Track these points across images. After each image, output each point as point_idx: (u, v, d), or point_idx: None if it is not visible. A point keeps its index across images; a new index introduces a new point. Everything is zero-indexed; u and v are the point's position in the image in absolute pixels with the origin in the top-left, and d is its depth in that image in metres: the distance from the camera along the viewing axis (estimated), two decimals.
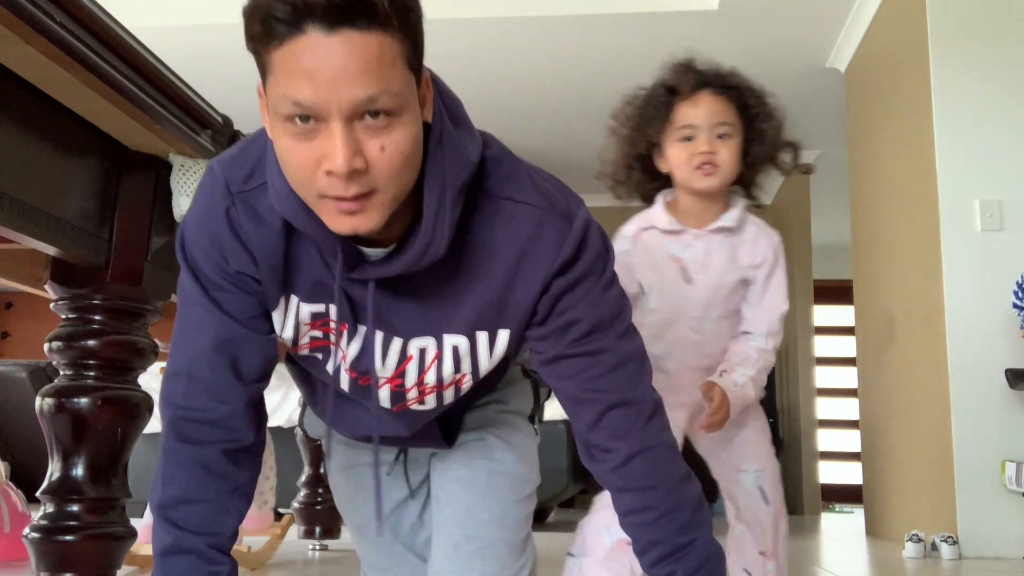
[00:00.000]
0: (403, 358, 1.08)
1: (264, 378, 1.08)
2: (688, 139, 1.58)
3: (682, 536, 1.07)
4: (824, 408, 6.84)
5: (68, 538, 1.38)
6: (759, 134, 1.62)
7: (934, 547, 3.14)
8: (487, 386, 1.24)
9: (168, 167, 1.51)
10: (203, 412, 1.04)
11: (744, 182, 1.67)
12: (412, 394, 1.11)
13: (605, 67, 4.67)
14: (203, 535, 1.04)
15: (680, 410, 1.61)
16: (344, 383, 1.11)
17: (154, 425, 2.17)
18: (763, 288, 1.66)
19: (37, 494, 1.43)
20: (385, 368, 1.08)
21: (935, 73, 3.37)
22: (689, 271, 1.61)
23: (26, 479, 2.96)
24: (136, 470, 1.67)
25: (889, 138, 3.93)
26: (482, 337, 1.06)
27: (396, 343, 1.07)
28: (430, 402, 1.13)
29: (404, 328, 1.05)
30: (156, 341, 1.53)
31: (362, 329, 1.05)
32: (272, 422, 3.57)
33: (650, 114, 1.61)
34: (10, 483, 2.56)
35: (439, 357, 1.07)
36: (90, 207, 1.42)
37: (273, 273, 1.02)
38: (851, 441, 6.36)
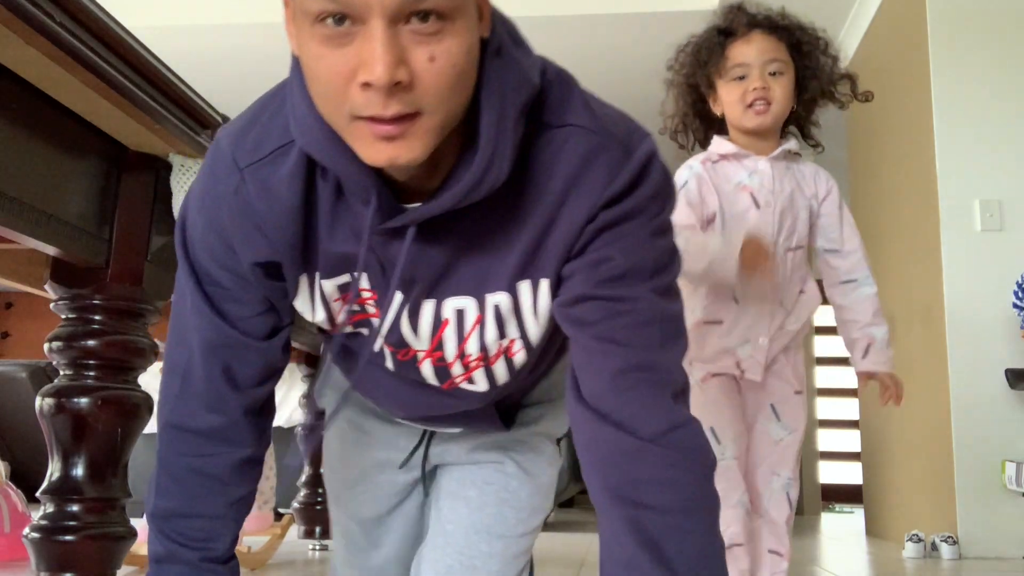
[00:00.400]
0: (438, 324, 0.92)
1: (266, 383, 0.98)
2: (741, 78, 1.61)
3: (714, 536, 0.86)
4: (824, 408, 6.84)
5: (68, 538, 1.38)
6: (815, 69, 1.65)
7: (934, 547, 3.14)
8: (543, 369, 1.09)
9: (168, 167, 1.51)
10: (197, 422, 0.96)
11: (801, 122, 1.70)
12: (456, 369, 0.97)
13: (605, 67, 4.67)
14: (196, 549, 0.97)
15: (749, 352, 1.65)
16: (388, 361, 0.99)
17: (154, 425, 2.16)
18: (840, 226, 1.70)
19: (37, 494, 1.43)
20: (419, 338, 0.94)
21: (935, 73, 3.37)
22: (758, 197, 1.64)
23: (26, 479, 2.96)
24: (136, 470, 1.67)
25: (889, 138, 3.93)
26: (524, 289, 0.90)
27: (428, 306, 0.92)
28: (480, 381, 0.98)
29: (438, 287, 0.90)
30: (156, 341, 1.53)
31: (397, 296, 0.92)
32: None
33: (703, 56, 1.65)
34: (10, 483, 2.56)
35: (481, 321, 0.92)
36: (90, 207, 1.42)
37: (293, 252, 0.90)
38: (851, 441, 6.36)
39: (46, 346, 1.46)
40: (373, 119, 0.74)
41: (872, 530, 4.22)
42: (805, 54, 1.64)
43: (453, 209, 0.83)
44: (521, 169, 0.85)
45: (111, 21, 1.28)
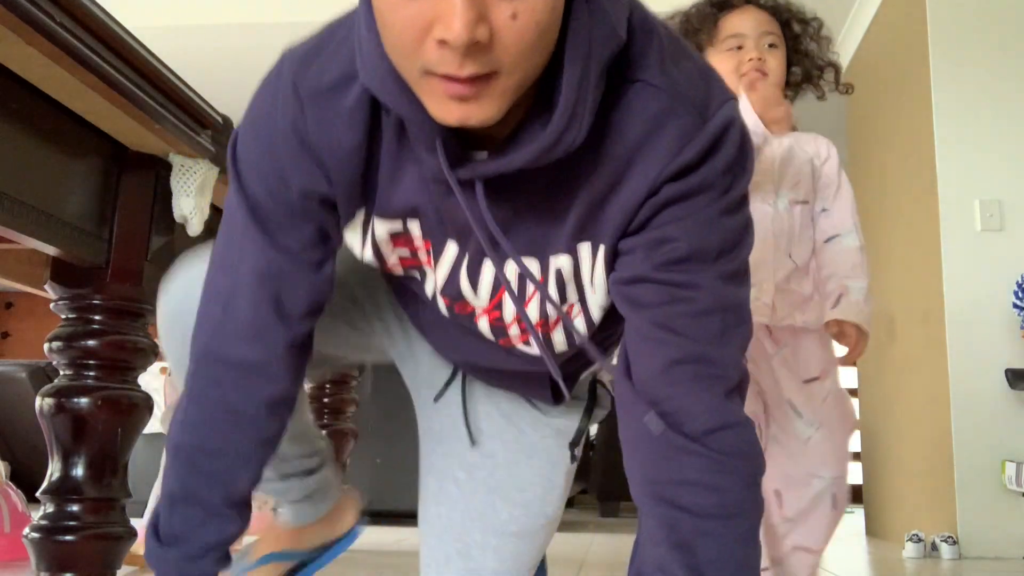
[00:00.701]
0: (498, 285, 0.88)
1: (312, 315, 0.92)
2: (737, 48, 1.55)
3: (751, 547, 0.81)
4: None
5: (68, 538, 1.38)
6: (804, 54, 1.60)
7: (934, 547, 3.14)
8: (605, 346, 1.01)
9: (168, 167, 1.51)
10: (235, 353, 0.90)
11: None
12: (513, 331, 0.93)
13: None
14: (218, 488, 0.91)
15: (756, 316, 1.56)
16: (443, 309, 0.95)
17: (154, 425, 2.17)
18: (836, 189, 1.63)
19: (37, 494, 1.43)
20: (478, 296, 0.90)
21: (935, 73, 3.37)
22: (756, 143, 1.57)
23: (26, 479, 2.96)
24: (136, 470, 1.67)
25: (889, 138, 3.93)
26: (584, 252, 0.85)
27: (488, 265, 0.88)
28: (536, 345, 0.93)
29: (499, 245, 0.85)
30: (156, 341, 1.53)
31: (450, 248, 0.88)
32: None
33: (694, 24, 1.59)
34: (10, 483, 2.56)
35: (544, 283, 0.87)
36: (90, 207, 1.42)
37: (351, 188, 0.86)
38: (851, 441, 6.35)
39: (46, 346, 1.46)
40: (447, 77, 0.69)
41: (872, 530, 4.22)
42: (795, 36, 1.60)
43: (523, 168, 0.78)
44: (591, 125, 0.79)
45: (111, 21, 1.28)
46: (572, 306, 0.89)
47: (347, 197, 0.87)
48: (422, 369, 1.17)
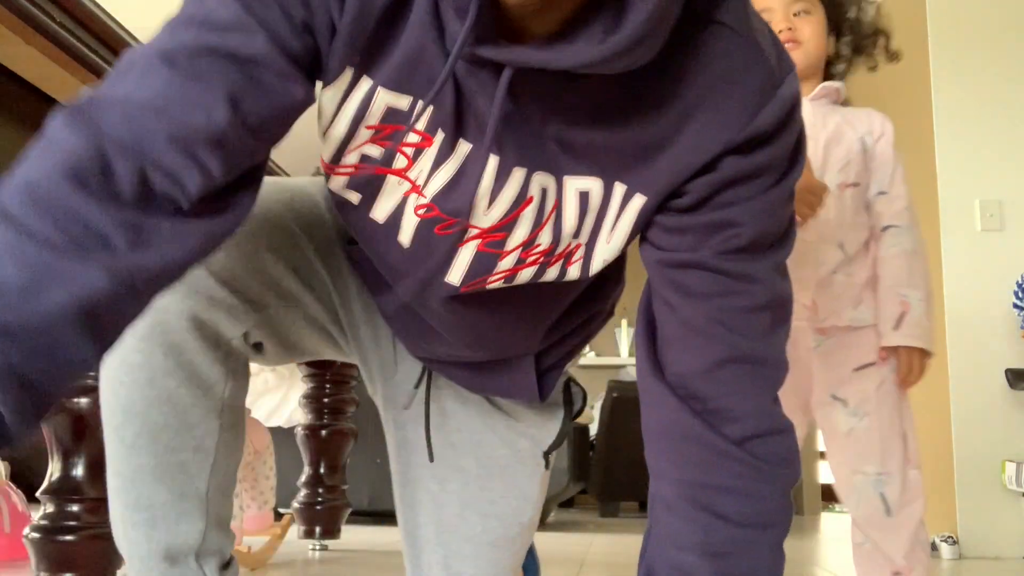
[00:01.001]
0: (522, 199, 0.75)
1: (263, 138, 0.69)
2: None
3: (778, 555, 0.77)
4: None
5: (68, 538, 1.38)
6: (851, 23, 1.49)
7: (934, 547, 3.14)
8: (583, 308, 0.94)
9: None
10: (148, 113, 0.63)
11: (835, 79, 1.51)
12: (507, 261, 0.79)
13: None
14: (55, 249, 0.58)
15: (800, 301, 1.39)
16: (406, 232, 0.79)
17: None
18: (893, 167, 1.48)
19: (37, 494, 1.43)
20: (490, 211, 0.76)
21: (935, 73, 3.38)
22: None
23: (26, 479, 2.96)
24: None
25: None
26: (619, 192, 0.74)
27: (517, 175, 0.74)
28: (524, 278, 0.81)
29: (525, 155, 0.74)
30: None
31: (463, 147, 0.74)
32: (272, 422, 3.56)
33: None
34: (10, 483, 2.56)
35: (558, 206, 0.76)
36: None
37: (356, 29, 0.70)
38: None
39: None
40: None
41: None
42: (836, 3, 1.48)
43: (568, 70, 0.66)
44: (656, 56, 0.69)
45: (111, 21, 1.28)
46: (579, 246, 0.79)
47: (346, 41, 0.70)
48: (394, 376, 1.11)
